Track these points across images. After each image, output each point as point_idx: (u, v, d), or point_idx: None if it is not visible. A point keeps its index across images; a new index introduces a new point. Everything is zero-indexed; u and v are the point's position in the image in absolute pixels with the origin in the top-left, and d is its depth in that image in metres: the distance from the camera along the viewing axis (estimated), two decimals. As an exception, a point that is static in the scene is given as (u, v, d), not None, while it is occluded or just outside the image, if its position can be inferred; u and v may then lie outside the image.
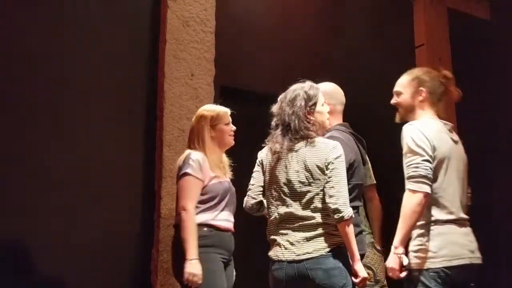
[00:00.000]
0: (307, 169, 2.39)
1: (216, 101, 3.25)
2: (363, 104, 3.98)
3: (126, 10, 3.43)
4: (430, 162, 2.41)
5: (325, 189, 2.36)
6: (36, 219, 2.88)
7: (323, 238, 2.35)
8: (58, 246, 2.91)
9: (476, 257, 2.48)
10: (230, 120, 2.92)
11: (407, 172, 2.44)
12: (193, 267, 2.53)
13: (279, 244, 2.40)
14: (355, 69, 4.35)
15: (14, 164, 2.87)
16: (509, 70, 4.65)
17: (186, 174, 2.69)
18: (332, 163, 2.37)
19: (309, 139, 2.43)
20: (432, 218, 2.44)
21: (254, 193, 2.54)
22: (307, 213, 2.37)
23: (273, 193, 2.46)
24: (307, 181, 2.38)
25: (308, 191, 2.38)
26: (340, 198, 2.33)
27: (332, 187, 2.34)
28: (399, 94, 2.69)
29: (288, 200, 2.41)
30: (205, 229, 2.65)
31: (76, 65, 3.18)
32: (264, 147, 2.58)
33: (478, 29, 5.08)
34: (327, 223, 2.37)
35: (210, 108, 2.94)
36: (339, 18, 4.50)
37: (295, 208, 2.39)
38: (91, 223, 3.02)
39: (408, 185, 2.41)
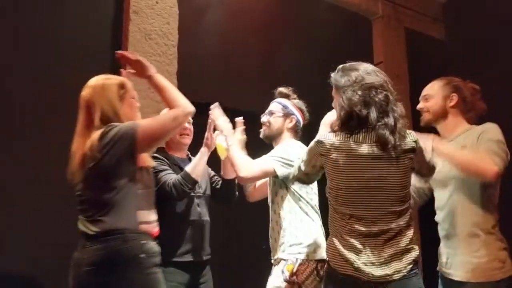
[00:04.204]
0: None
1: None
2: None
3: (87, 22, 3.40)
4: None
5: None
6: None
7: (404, 253, 2.00)
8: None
9: None
10: None
11: None
12: None
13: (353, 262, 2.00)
14: (315, 85, 4.40)
15: None
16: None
17: None
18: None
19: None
20: None
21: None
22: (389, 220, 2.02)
23: (350, 195, 2.07)
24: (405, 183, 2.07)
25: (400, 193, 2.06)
26: None
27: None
28: (429, 98, 2.72)
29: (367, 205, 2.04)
30: None
31: (37, 79, 3.12)
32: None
33: (434, 48, 5.26)
34: (407, 234, 2.03)
35: None
36: (300, 36, 4.58)
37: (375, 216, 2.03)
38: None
39: None
